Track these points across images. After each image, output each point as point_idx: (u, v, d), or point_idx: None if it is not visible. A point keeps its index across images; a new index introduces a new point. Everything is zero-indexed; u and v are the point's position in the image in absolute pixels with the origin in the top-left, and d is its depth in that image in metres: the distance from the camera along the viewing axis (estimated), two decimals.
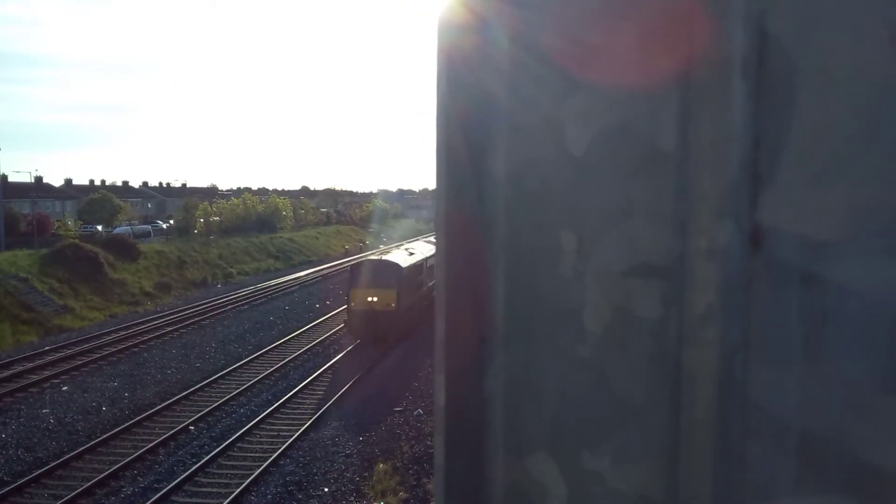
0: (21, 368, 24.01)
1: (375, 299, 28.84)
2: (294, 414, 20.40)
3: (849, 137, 0.64)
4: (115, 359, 26.19)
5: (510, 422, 0.90)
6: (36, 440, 18.25)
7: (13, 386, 21.98)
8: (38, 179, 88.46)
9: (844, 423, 0.64)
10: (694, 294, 0.73)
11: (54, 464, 16.60)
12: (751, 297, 0.69)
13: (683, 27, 0.72)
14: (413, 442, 18.37)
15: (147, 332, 30.41)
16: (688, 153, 0.73)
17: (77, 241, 44.43)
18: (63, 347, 27.55)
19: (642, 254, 0.78)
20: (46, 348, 27.53)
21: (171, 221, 72.47)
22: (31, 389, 22.06)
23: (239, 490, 15.08)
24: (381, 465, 16.91)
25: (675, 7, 0.73)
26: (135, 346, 28.11)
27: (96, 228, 59.57)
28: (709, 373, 0.71)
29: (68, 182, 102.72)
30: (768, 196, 0.68)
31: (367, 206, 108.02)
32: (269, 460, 16.71)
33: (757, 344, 0.69)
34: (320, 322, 33.74)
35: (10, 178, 76.78)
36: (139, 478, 16.21)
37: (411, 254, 33.98)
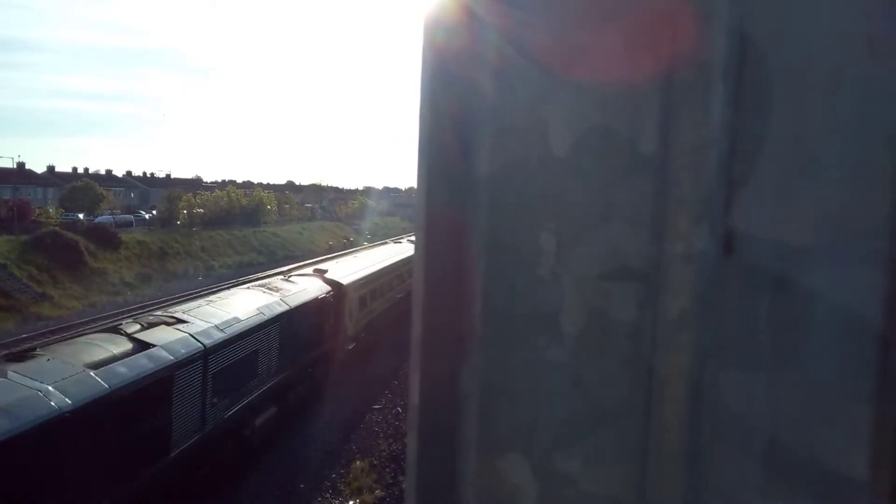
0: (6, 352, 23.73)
1: None
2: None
3: (824, 144, 0.64)
4: None
5: (484, 422, 0.90)
6: None
7: None
8: (21, 165, 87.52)
9: (810, 429, 0.64)
10: (669, 298, 0.73)
11: None
12: (722, 302, 0.70)
13: (667, 30, 0.72)
14: (391, 440, 18.37)
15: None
16: (668, 157, 0.73)
17: (58, 228, 44.07)
18: (40, 335, 27.28)
19: (620, 257, 0.78)
20: (23, 336, 27.26)
21: (154, 212, 71.95)
22: None
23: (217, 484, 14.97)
24: (358, 463, 16.88)
25: (660, 10, 0.73)
26: None
27: (78, 217, 59.04)
28: (681, 377, 0.72)
29: (51, 169, 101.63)
30: (742, 201, 0.68)
31: (352, 203, 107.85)
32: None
33: (726, 348, 0.69)
34: None
35: None
36: None
37: (140, 328, 13.13)
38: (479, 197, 0.89)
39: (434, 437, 0.92)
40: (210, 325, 14.55)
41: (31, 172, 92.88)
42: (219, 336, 14.35)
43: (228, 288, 21.65)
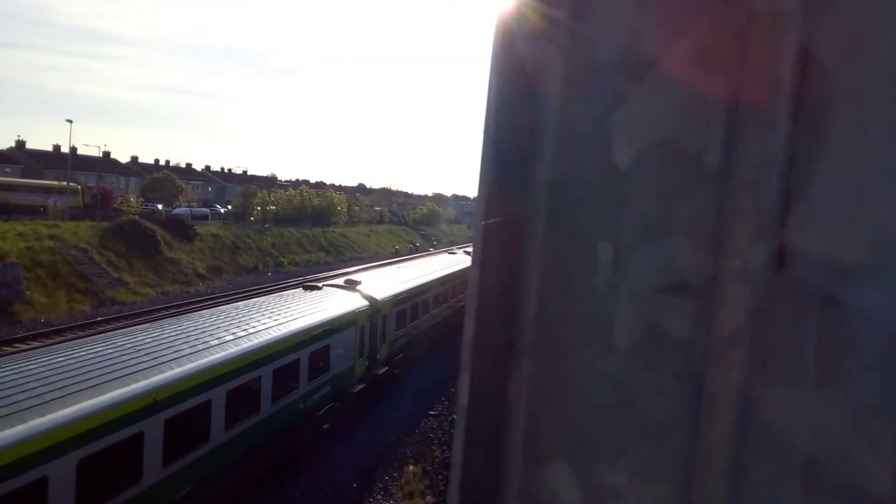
0: (73, 336, 24.72)
1: None
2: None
3: (882, 161, 0.63)
4: None
5: (531, 428, 0.90)
6: None
7: None
8: (106, 154, 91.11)
9: (850, 450, 0.63)
10: (723, 315, 0.72)
11: None
12: (771, 318, 0.69)
13: (736, 46, 0.71)
14: (445, 447, 18.36)
15: (196, 311, 31.02)
16: (731, 173, 0.72)
17: (137, 217, 45.64)
18: (115, 319, 28.29)
19: (678, 271, 0.77)
20: (98, 319, 28.31)
21: (230, 206, 73.78)
22: None
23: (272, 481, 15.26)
24: (411, 467, 16.95)
25: (730, 26, 0.72)
26: None
27: (157, 207, 61.06)
28: (731, 395, 0.70)
29: (134, 159, 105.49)
30: (796, 217, 0.68)
31: (420, 209, 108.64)
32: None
33: (772, 365, 0.69)
34: None
35: (80, 151, 79.21)
36: None
37: None
38: (539, 203, 0.89)
39: (480, 440, 0.92)
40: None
41: (115, 161, 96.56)
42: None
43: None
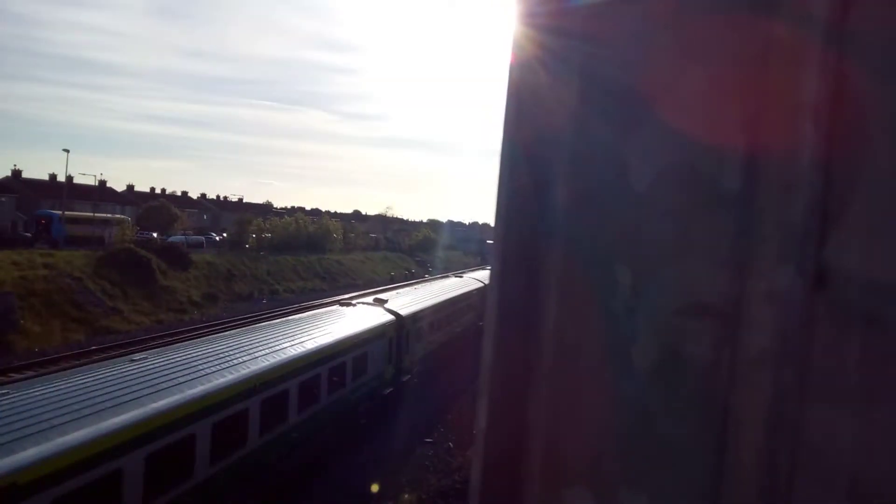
0: (67, 366, 24.52)
1: None
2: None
3: None
4: None
5: (550, 451, 0.90)
6: None
7: None
8: (102, 183, 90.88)
9: None
10: (748, 337, 0.72)
11: None
12: (812, 338, 0.69)
13: (755, 73, 0.73)
14: (441, 475, 18.18)
15: (190, 339, 30.80)
16: (752, 195, 0.73)
17: (132, 245, 45.53)
18: (109, 349, 28.08)
19: (697, 293, 0.78)
20: (93, 347, 28.10)
21: (225, 234, 73.61)
22: None
23: None
24: (406, 496, 16.76)
25: (747, 52, 0.74)
26: None
27: (152, 235, 60.94)
28: (758, 416, 0.71)
29: (130, 188, 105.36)
30: (836, 237, 0.67)
31: (416, 235, 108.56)
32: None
33: (814, 384, 0.68)
34: None
35: (76, 180, 79.13)
36: None
37: None
38: (556, 227, 0.91)
39: (499, 462, 0.92)
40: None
41: (111, 190, 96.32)
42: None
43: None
